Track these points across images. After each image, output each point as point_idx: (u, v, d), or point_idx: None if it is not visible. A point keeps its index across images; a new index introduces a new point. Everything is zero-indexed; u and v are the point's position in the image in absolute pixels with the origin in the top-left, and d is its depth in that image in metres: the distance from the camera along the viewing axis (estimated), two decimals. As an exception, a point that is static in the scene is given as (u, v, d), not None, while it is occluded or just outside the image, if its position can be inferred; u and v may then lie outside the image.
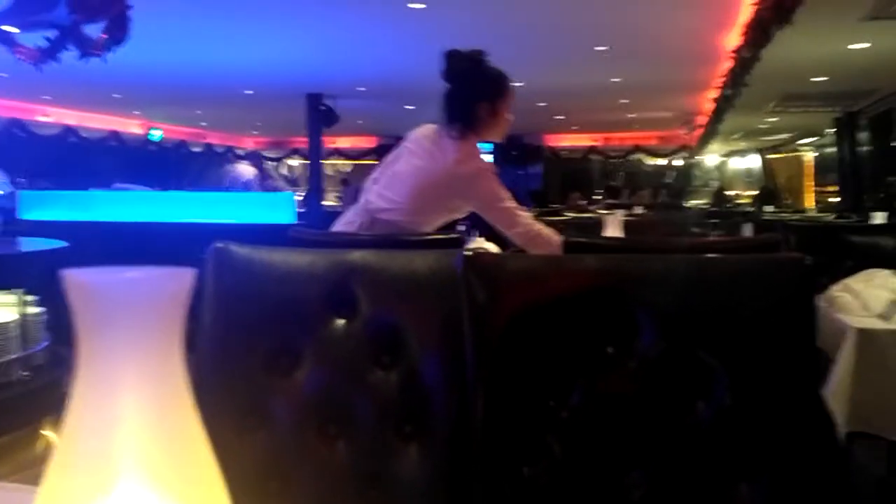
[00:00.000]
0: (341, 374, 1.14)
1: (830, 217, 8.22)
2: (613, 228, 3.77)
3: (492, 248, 3.28)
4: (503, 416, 1.05)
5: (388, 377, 1.13)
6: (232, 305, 1.17)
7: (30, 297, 1.83)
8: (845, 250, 3.09)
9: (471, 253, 1.10)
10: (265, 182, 10.12)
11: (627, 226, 3.82)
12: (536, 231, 2.49)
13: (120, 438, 0.36)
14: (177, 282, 0.38)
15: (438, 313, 1.13)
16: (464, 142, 2.55)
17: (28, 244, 4.11)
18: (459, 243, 2.25)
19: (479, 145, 2.63)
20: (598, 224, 4.10)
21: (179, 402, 0.39)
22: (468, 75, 2.57)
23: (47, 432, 1.72)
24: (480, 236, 3.70)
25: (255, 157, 10.59)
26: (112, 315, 0.37)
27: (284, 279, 1.18)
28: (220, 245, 1.18)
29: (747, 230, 3.91)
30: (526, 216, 2.57)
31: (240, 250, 1.19)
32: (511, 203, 2.52)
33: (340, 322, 1.15)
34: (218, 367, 1.16)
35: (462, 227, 3.33)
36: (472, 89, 2.57)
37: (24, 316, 1.77)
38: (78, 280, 0.37)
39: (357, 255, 1.19)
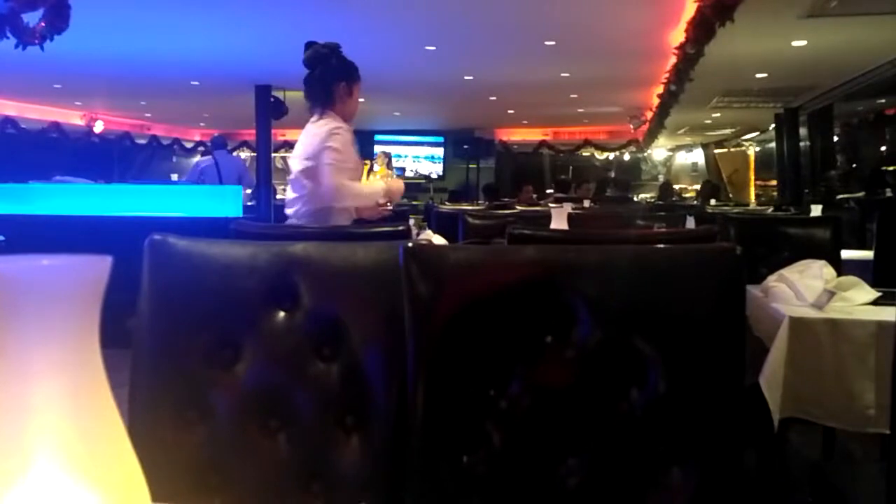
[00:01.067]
0: (282, 367, 1.13)
1: (769, 210, 8.44)
2: (561, 221, 3.80)
3: (439, 241, 3.29)
4: (443, 405, 1.06)
5: (330, 369, 1.13)
6: (171, 299, 1.16)
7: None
8: (782, 242, 3.19)
9: (411, 244, 1.11)
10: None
11: (574, 219, 3.86)
12: (349, 186, 2.87)
13: (34, 426, 0.36)
14: (92, 269, 0.38)
15: (380, 305, 1.13)
16: (323, 119, 2.93)
17: (-38, 239, 3.97)
18: (405, 235, 2.26)
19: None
20: (547, 217, 4.13)
21: (96, 389, 0.39)
22: (327, 60, 2.98)
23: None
24: (429, 229, 3.71)
25: (220, 142, 10.10)
26: (25, 303, 0.36)
27: (225, 271, 1.17)
28: (157, 237, 1.16)
29: (690, 223, 3.99)
30: (348, 181, 2.90)
31: (178, 242, 1.17)
32: (336, 171, 2.83)
33: (281, 314, 1.14)
34: (157, 360, 1.15)
35: (411, 222, 3.34)
36: (330, 71, 2.98)
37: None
38: (-11, 268, 0.37)
39: (299, 247, 1.18)
